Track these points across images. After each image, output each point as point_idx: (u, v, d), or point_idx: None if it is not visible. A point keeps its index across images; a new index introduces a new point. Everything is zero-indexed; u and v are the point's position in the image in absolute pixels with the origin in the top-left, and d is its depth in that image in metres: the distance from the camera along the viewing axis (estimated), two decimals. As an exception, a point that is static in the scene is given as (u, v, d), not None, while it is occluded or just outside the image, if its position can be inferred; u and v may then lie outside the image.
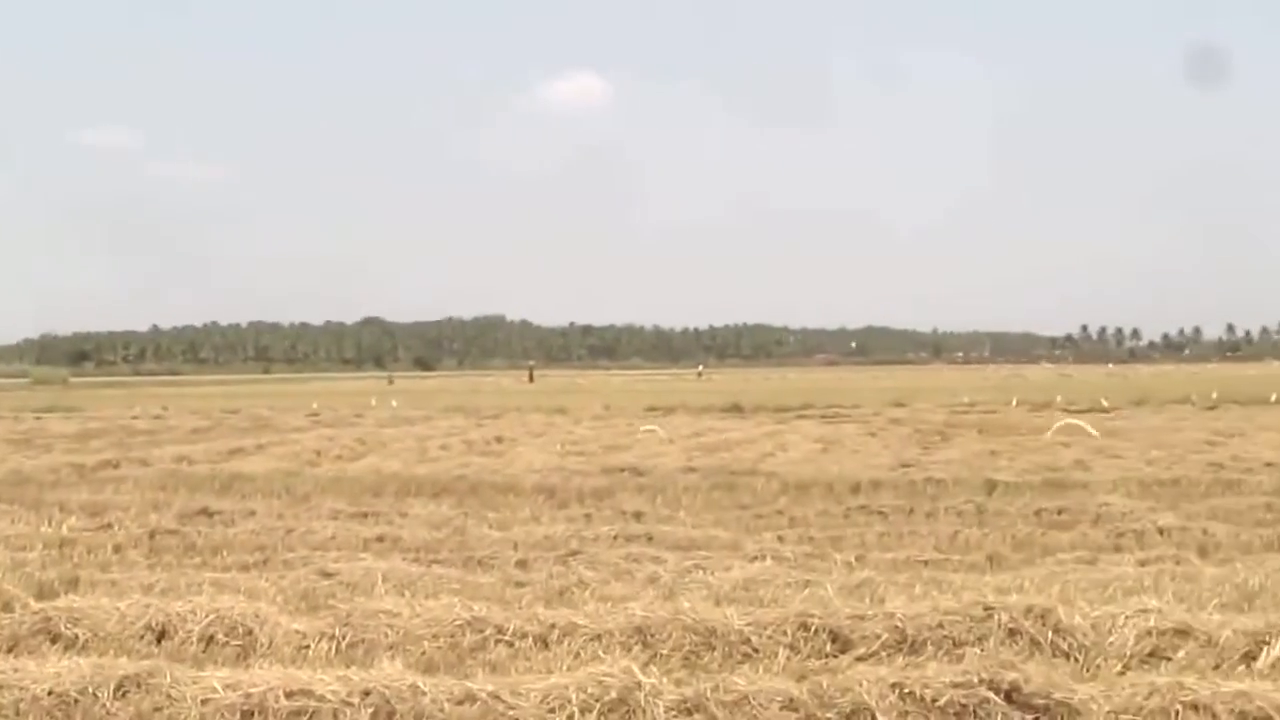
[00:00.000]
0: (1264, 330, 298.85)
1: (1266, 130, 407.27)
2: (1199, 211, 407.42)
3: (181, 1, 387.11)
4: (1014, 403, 56.27)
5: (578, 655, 10.11)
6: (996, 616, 10.32)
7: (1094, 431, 36.05)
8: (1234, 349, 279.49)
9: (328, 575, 14.20)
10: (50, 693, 9.05)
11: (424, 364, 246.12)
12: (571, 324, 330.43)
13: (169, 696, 8.96)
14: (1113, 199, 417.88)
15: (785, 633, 10.34)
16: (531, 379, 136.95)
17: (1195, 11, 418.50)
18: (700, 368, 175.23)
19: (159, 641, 10.89)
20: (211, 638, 10.96)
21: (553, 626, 10.72)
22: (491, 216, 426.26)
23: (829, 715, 8.62)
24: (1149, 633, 10.20)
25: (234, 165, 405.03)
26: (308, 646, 10.66)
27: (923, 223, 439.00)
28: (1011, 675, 8.79)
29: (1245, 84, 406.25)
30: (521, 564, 16.08)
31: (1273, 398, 58.03)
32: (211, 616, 11.14)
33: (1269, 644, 10.01)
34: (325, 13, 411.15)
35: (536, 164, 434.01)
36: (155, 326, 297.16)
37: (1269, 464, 27.49)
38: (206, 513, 20.51)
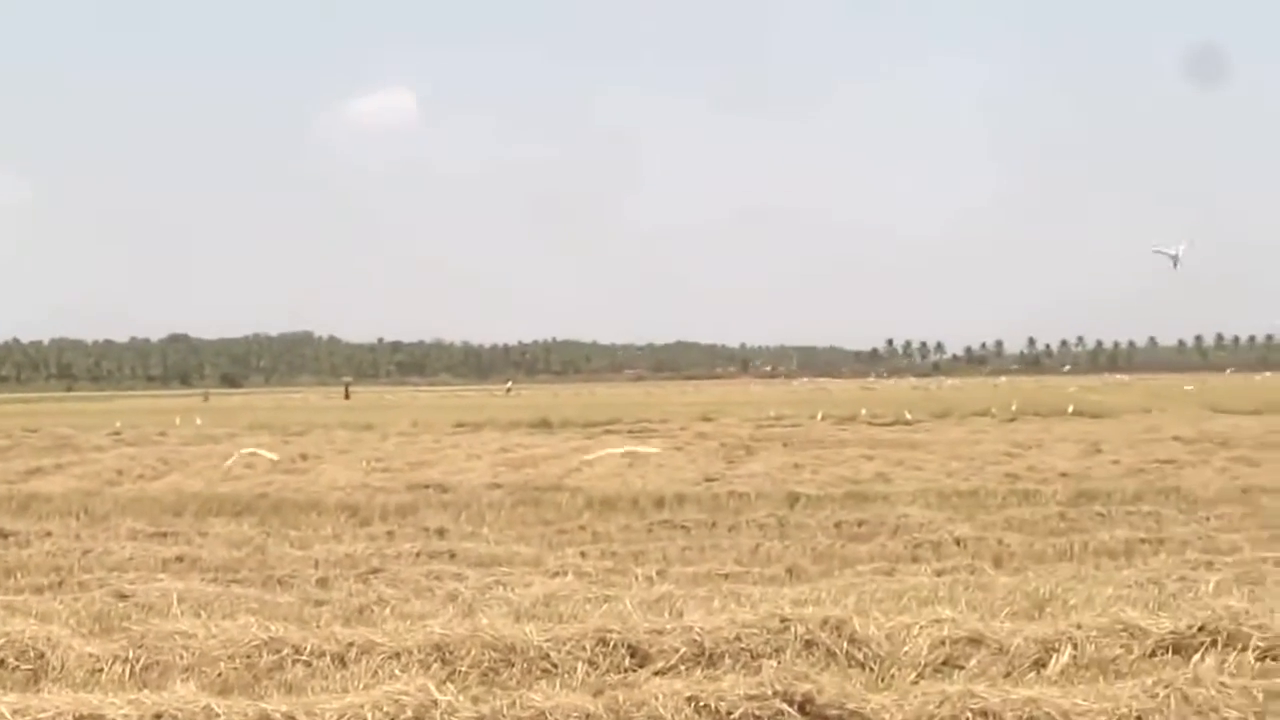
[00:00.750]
0: (1063, 343, 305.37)
1: (1069, 159, 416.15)
2: (1003, 226, 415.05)
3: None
4: (819, 416, 56.85)
5: (375, 674, 10.01)
6: (793, 628, 10.41)
7: (273, 456, 36.33)
8: (1034, 361, 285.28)
9: (123, 596, 13.98)
10: None
11: (231, 380, 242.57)
12: (380, 340, 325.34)
13: (-48, 723, 8.74)
14: (915, 213, 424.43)
15: (584, 648, 10.33)
16: (348, 395, 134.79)
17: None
18: (509, 384, 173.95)
19: (-55, 667, 10.59)
20: (1, 662, 10.68)
21: (351, 645, 10.61)
22: (298, 232, 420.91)
23: (625, 729, 8.64)
24: (942, 642, 10.35)
25: (36, 178, 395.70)
26: (100, 670, 10.44)
27: (726, 237, 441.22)
28: (806, 687, 8.87)
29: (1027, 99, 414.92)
30: (322, 582, 15.99)
31: (1069, 409, 59.29)
32: (1, 640, 10.86)
33: (1058, 651, 10.22)
34: (133, 21, 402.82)
35: (344, 180, 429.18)
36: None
37: (1064, 474, 28.12)
38: (1, 534, 20.04)
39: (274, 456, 35.41)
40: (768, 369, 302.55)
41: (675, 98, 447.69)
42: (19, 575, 16.82)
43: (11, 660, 10.66)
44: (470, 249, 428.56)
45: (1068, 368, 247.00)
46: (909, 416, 56.00)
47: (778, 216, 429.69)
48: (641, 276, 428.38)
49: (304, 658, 10.51)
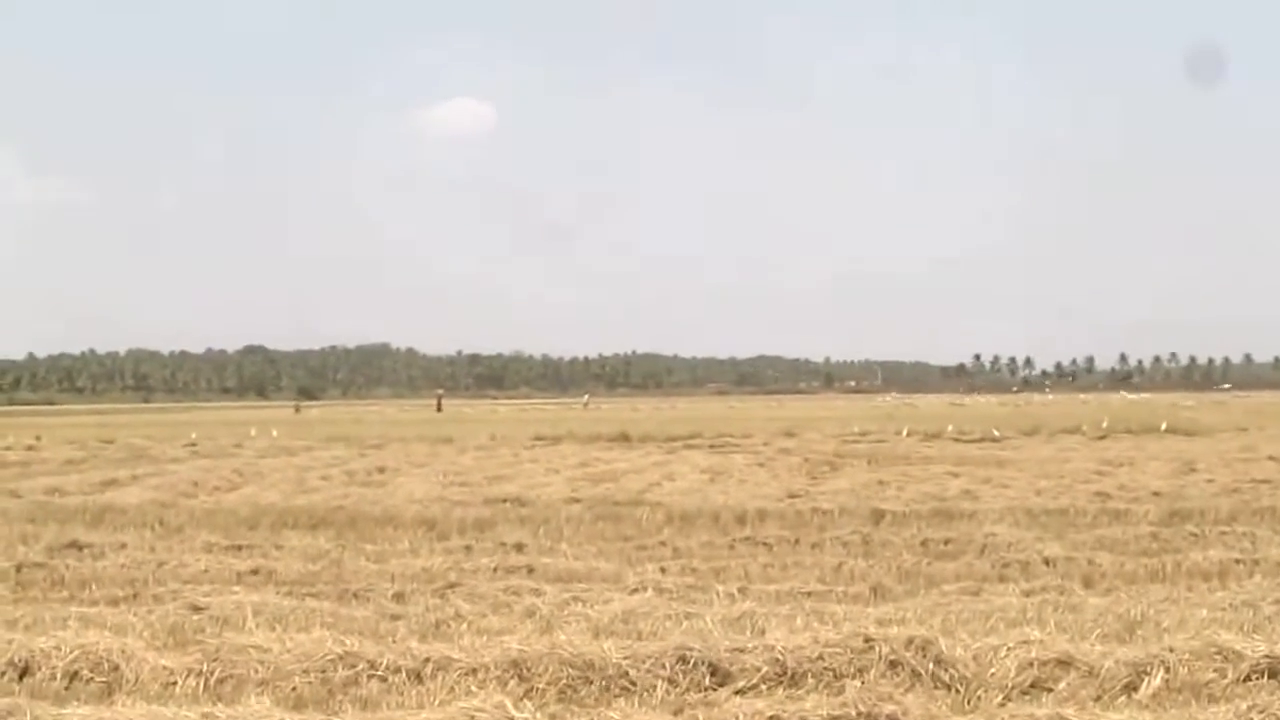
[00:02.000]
0: (1156, 360, 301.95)
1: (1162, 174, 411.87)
2: (1095, 242, 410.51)
3: (30, 13, 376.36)
4: (904, 433, 56.25)
5: (451, 690, 9.86)
6: (878, 648, 10.17)
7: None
8: (1126, 377, 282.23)
9: (198, 609, 13.86)
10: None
11: (308, 393, 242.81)
12: (459, 352, 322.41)
13: (27, 735, 8.65)
14: (1003, 230, 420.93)
15: (664, 666, 10.14)
16: (439, 408, 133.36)
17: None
18: (586, 397, 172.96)
19: (21, 678, 10.55)
20: (75, 674, 10.63)
21: (427, 661, 10.46)
22: (375, 244, 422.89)
23: (705, 750, 8.44)
24: (1031, 664, 10.10)
25: (105, 186, 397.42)
26: (174, 683, 10.35)
27: (812, 252, 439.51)
28: (890, 708, 8.66)
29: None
30: (398, 597, 15.80)
31: (1163, 426, 58.51)
32: (76, 652, 10.81)
33: (1149, 674, 9.95)
34: (206, 36, 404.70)
35: (420, 192, 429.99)
36: (31, 355, 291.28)
37: (1156, 493, 27.60)
38: (76, 546, 20.00)
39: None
40: (852, 384, 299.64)
41: (736, 109, 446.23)
42: (94, 587, 16.77)
43: (86, 672, 10.61)
44: (548, 262, 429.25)
45: (1228, 386, 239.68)
46: (996, 434, 55.33)
47: (862, 229, 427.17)
48: (723, 290, 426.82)
49: (379, 673, 10.37)
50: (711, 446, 49.08)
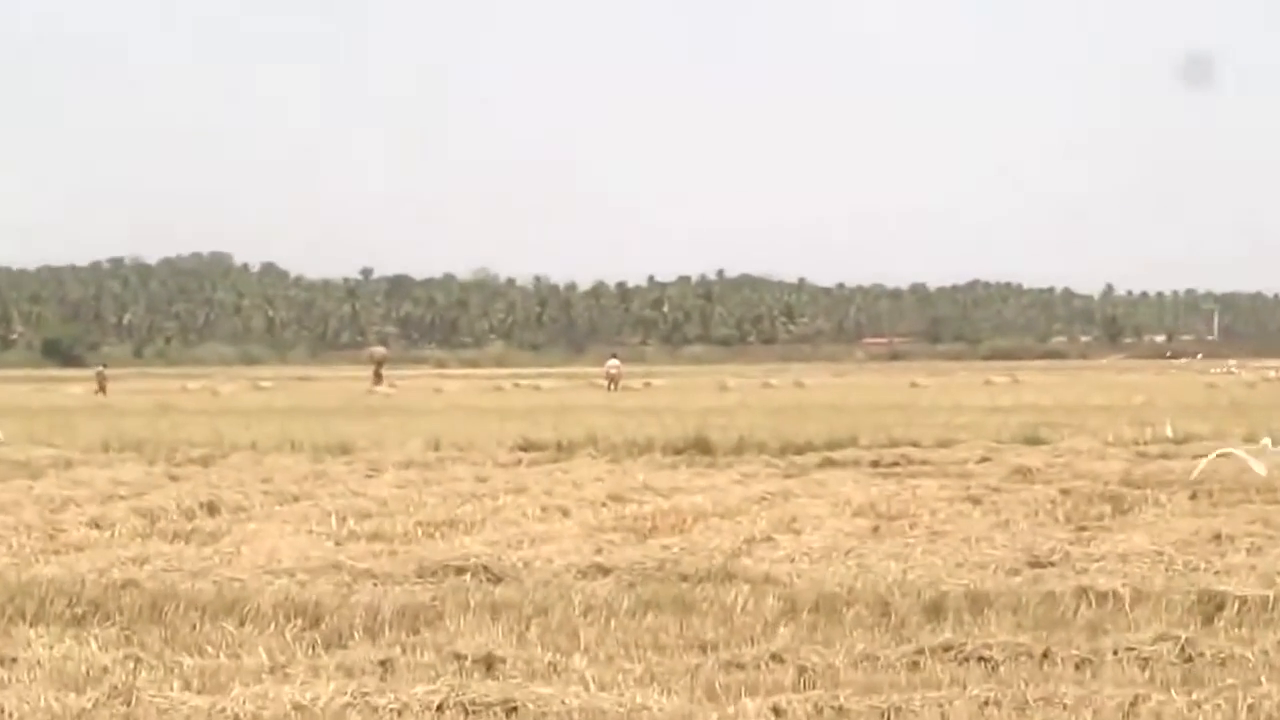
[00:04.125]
0: None
1: None
2: None
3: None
4: (1269, 441, 29.71)
5: None
6: None
7: None
8: None
9: None
10: None
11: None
12: (366, 274, 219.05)
13: None
14: None
15: None
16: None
17: None
18: (614, 362, 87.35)
19: None
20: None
21: None
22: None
23: None
24: None
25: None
26: None
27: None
28: None
29: None
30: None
31: None
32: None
33: None
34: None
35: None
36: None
37: None
38: None
39: None
40: (1160, 342, 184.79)
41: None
42: None
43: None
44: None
45: None
46: None
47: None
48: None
49: None
50: (875, 464, 29.67)
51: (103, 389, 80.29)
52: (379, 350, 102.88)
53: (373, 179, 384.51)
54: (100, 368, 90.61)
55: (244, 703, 10.15)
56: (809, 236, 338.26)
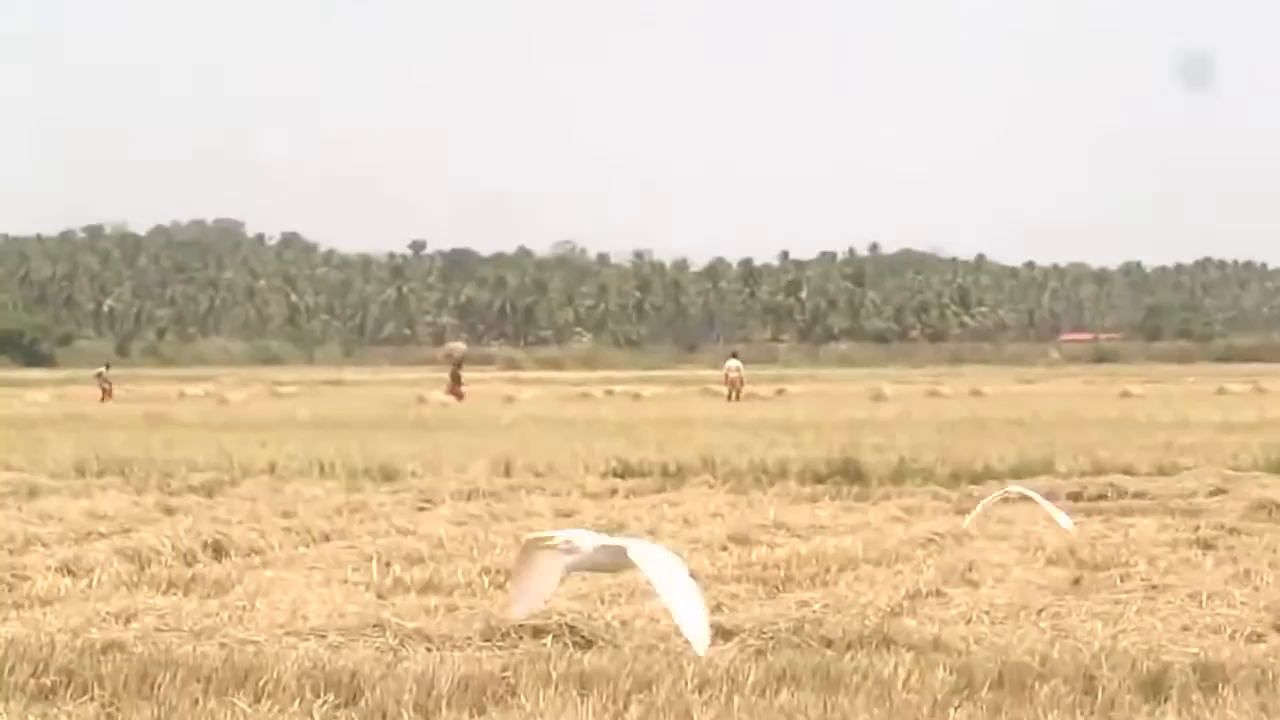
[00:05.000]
0: None
1: None
2: None
3: None
4: None
5: None
6: None
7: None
8: None
9: None
10: None
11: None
12: (416, 248, 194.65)
13: None
14: None
15: None
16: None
17: None
18: (735, 363, 68.80)
19: None
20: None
21: None
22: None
23: None
24: None
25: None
26: None
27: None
28: None
29: None
30: None
31: None
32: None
33: None
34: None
35: None
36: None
37: None
38: None
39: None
40: None
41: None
42: None
43: None
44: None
45: None
46: None
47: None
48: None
49: None
50: (1075, 498, 23.87)
51: (109, 396, 66.40)
52: (458, 347, 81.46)
53: (426, 128, 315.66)
54: (101, 369, 72.84)
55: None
56: (992, 202, 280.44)
